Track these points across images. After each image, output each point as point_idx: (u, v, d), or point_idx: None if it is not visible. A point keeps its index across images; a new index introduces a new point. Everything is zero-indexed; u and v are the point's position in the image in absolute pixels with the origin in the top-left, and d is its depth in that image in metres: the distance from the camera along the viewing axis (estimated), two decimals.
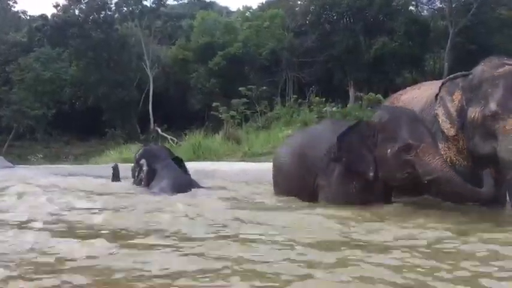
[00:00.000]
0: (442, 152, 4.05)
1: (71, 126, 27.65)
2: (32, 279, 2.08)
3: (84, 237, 2.96)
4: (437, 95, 4.30)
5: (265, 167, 6.26)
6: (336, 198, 4.22)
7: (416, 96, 4.79)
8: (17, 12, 35.39)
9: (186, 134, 16.49)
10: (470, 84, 4.09)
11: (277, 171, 4.99)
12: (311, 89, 20.54)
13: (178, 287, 1.97)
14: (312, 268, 2.15)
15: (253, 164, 9.12)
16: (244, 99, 17.80)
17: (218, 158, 11.80)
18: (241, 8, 33.81)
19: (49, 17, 30.43)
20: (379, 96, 16.23)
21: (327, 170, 4.34)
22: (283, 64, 25.42)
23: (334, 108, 16.45)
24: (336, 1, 24.41)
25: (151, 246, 2.66)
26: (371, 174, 4.02)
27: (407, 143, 3.90)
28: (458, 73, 4.37)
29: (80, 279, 2.07)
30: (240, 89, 18.60)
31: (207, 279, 2.02)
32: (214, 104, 17.79)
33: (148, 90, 27.85)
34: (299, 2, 28.31)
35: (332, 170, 4.30)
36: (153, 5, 29.92)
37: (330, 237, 2.87)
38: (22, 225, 3.38)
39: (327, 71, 25.11)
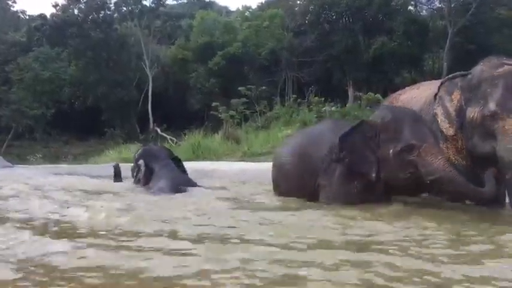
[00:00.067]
0: None
1: (70, 126, 27.63)
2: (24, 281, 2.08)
3: (77, 237, 2.94)
4: (436, 94, 4.30)
5: (265, 167, 6.25)
6: (337, 198, 4.22)
7: (415, 96, 4.79)
8: (16, 11, 35.40)
9: (185, 134, 16.49)
10: (469, 84, 4.09)
11: (277, 171, 4.98)
12: (310, 88, 20.53)
13: None
14: (306, 269, 2.15)
15: (252, 163, 9.11)
16: (244, 99, 17.78)
17: (217, 157, 11.80)
18: (240, 8, 33.87)
19: (48, 16, 30.48)
20: (378, 96, 16.22)
21: (328, 170, 4.33)
22: (283, 64, 25.43)
23: (333, 108, 16.43)
24: (335, 1, 24.43)
25: (145, 248, 2.61)
26: (373, 174, 4.02)
27: (410, 143, 3.90)
28: (457, 73, 4.38)
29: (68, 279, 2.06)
30: (239, 88, 18.59)
31: (202, 282, 2.00)
32: (213, 104, 17.79)
33: (148, 90, 27.85)
34: (298, 2, 28.34)
35: (333, 170, 4.29)
36: (153, 5, 29.94)
37: (329, 238, 2.86)
38: (17, 225, 3.37)
39: (326, 70, 25.12)
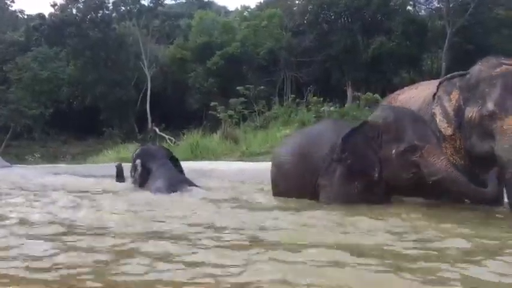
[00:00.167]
0: None
1: (69, 126, 27.60)
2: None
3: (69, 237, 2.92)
4: (434, 94, 4.30)
5: (263, 167, 6.24)
6: (337, 198, 4.22)
7: (414, 95, 4.80)
8: (15, 11, 35.34)
9: (184, 134, 16.48)
10: (468, 84, 4.09)
11: (277, 170, 4.96)
12: (309, 88, 20.55)
13: None
14: (300, 271, 2.14)
15: (251, 163, 9.11)
16: (242, 99, 17.79)
17: (216, 157, 11.79)
18: (239, 8, 33.85)
19: (46, 16, 30.44)
20: (377, 96, 16.24)
21: (328, 170, 4.33)
22: (281, 64, 25.42)
23: (332, 108, 16.45)
24: (334, 1, 24.42)
25: (138, 250, 2.54)
26: (376, 175, 4.03)
27: (413, 144, 3.91)
28: (456, 73, 4.38)
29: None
30: (238, 88, 18.59)
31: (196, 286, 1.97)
32: (212, 104, 17.79)
33: (146, 89, 27.83)
34: (297, 2, 28.33)
35: (334, 169, 4.29)
36: (151, 4, 29.94)
37: (326, 239, 2.86)
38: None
39: (324, 70, 25.12)
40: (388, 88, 17.32)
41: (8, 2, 34.26)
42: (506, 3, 23.17)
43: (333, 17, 25.77)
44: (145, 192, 5.33)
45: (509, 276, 2.07)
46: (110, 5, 29.91)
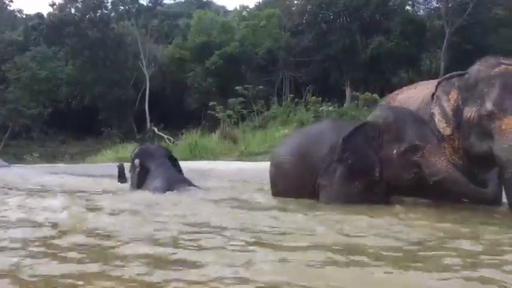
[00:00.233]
0: None
1: (67, 125, 27.60)
2: None
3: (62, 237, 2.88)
4: (433, 94, 4.30)
5: (262, 167, 6.23)
6: (337, 198, 4.22)
7: (412, 95, 4.80)
8: (13, 11, 35.36)
9: (182, 134, 16.49)
10: (466, 84, 4.09)
11: (276, 170, 4.95)
12: (307, 88, 20.55)
13: None
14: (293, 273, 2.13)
15: (249, 163, 9.11)
16: (241, 99, 17.80)
17: (215, 157, 11.79)
18: (238, 7, 33.88)
19: (45, 15, 30.46)
20: (376, 95, 16.25)
21: (328, 170, 4.33)
22: (280, 63, 25.43)
23: (330, 108, 16.47)
24: (333, 0, 24.44)
25: (134, 251, 2.47)
26: (376, 175, 4.03)
27: (414, 144, 3.91)
28: (454, 72, 4.38)
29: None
30: (236, 88, 18.59)
31: None
32: (211, 103, 17.79)
33: (145, 89, 27.84)
34: (296, 2, 28.34)
35: (334, 169, 4.29)
36: (150, 4, 29.97)
37: (326, 239, 2.85)
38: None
39: (323, 70, 25.14)
40: (387, 88, 17.33)
41: (7, 2, 34.32)
42: (505, 3, 23.21)
43: (331, 16, 25.79)
44: (144, 192, 5.30)
45: (509, 276, 2.06)
46: (109, 4, 29.97)
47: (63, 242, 2.74)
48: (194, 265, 2.20)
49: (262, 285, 1.91)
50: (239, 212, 3.97)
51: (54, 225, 3.26)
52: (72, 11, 29.62)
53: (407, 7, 26.90)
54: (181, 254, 2.44)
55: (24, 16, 34.47)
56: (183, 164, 6.25)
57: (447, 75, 4.45)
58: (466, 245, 2.67)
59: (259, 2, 31.82)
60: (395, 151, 3.99)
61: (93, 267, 2.17)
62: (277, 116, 17.37)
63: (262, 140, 13.28)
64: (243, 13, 30.95)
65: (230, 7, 51.75)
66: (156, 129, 24.22)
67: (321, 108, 16.16)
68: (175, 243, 2.71)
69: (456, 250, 2.54)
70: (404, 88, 5.29)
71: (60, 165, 13.58)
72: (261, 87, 20.09)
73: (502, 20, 23.15)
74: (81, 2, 29.20)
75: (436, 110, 4.21)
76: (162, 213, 3.78)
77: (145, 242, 2.72)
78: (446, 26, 22.81)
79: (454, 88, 4.18)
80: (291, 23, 26.56)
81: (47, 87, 27.83)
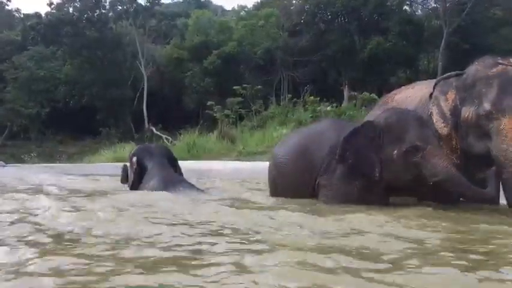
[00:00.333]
0: None
1: (65, 125, 27.55)
2: None
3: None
4: (431, 94, 4.30)
5: (260, 166, 6.22)
6: (337, 197, 4.22)
7: (410, 95, 4.79)
8: (11, 10, 35.28)
9: (180, 133, 16.50)
10: (464, 84, 4.09)
11: (275, 170, 4.93)
12: (306, 88, 20.57)
13: None
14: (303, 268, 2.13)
15: (247, 163, 9.12)
16: (239, 98, 17.83)
17: (213, 157, 11.79)
18: (236, 7, 33.98)
19: (43, 15, 30.38)
20: (374, 95, 16.27)
21: (328, 169, 4.32)
22: (278, 63, 25.45)
23: (328, 108, 16.47)
24: (331, 1, 24.48)
25: (131, 253, 2.42)
26: (376, 175, 4.03)
27: (414, 145, 3.91)
28: (452, 72, 4.37)
29: None
30: (234, 88, 18.61)
31: None
32: (209, 103, 17.81)
33: (143, 89, 27.81)
34: (294, 2, 28.35)
35: (334, 169, 4.28)
36: (148, 4, 29.91)
37: (325, 240, 2.85)
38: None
39: (321, 70, 25.17)
40: (385, 88, 17.38)
41: (5, 1, 34.30)
42: (502, 3, 23.27)
43: (329, 16, 25.82)
44: (140, 191, 5.26)
45: (509, 275, 2.06)
46: (107, 4, 29.96)
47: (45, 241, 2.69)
48: (193, 266, 2.19)
49: (260, 286, 1.91)
50: (237, 212, 3.96)
51: (37, 225, 3.19)
52: (70, 10, 29.59)
53: (405, 7, 26.97)
54: (181, 254, 2.43)
55: (22, 15, 34.39)
56: (181, 164, 6.22)
57: (445, 75, 4.44)
58: (466, 245, 2.67)
59: (257, 2, 31.87)
60: (395, 151, 3.99)
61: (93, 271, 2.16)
62: (275, 116, 17.39)
63: (260, 140, 13.31)
64: (241, 13, 30.98)
65: (228, 7, 51.94)
66: (154, 129, 24.21)
67: (319, 108, 16.17)
68: (174, 242, 2.70)
69: (456, 250, 2.54)
70: (402, 88, 5.28)
71: (59, 165, 13.55)
72: (259, 87, 20.11)
73: (500, 20, 23.21)
74: (79, 1, 29.17)
75: (433, 110, 4.21)
76: (159, 214, 3.76)
77: (139, 242, 2.67)
78: (444, 26, 22.85)
79: (452, 88, 4.18)
80: (289, 23, 26.58)
81: (45, 86, 27.79)
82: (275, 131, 14.07)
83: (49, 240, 2.73)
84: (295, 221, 3.45)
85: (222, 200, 4.75)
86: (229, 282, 1.94)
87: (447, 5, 23.28)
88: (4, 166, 11.67)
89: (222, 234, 2.94)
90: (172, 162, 5.80)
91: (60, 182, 7.03)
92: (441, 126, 4.14)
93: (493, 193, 3.86)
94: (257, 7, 30.61)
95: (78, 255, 2.35)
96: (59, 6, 29.79)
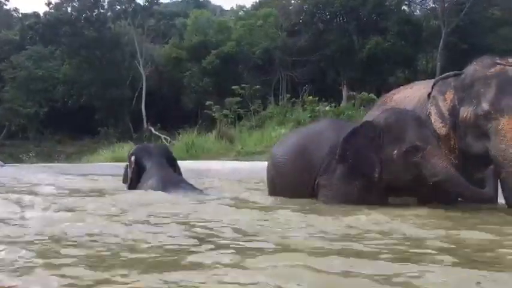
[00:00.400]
0: None
1: (63, 125, 27.49)
2: None
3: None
4: (429, 94, 4.30)
5: (259, 166, 6.22)
6: (337, 197, 4.22)
7: (409, 95, 4.80)
8: (9, 10, 35.20)
9: (179, 133, 16.49)
10: (463, 84, 4.10)
11: (274, 170, 4.93)
12: (304, 88, 20.56)
13: None
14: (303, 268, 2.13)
15: (246, 163, 9.12)
16: (238, 98, 17.82)
17: (211, 156, 11.79)
18: (234, 7, 33.98)
19: (41, 14, 30.31)
20: (372, 95, 16.27)
21: (328, 169, 4.32)
22: (277, 63, 25.44)
23: (327, 108, 16.47)
24: (329, 0, 24.48)
25: (128, 253, 2.40)
26: (376, 175, 4.03)
27: (414, 145, 3.91)
28: (450, 72, 4.38)
29: None
30: (233, 87, 18.60)
31: None
32: (207, 103, 17.81)
33: (141, 89, 27.76)
34: (292, 1, 28.33)
35: (333, 169, 4.28)
36: (146, 3, 29.88)
37: (324, 240, 2.84)
38: None
39: (320, 70, 25.17)
40: (384, 88, 17.36)
41: (3, 1, 34.16)
42: (501, 3, 23.29)
43: (328, 16, 25.81)
44: (137, 191, 5.25)
45: (509, 276, 2.07)
46: (105, 3, 29.89)
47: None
48: (192, 266, 2.19)
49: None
50: (236, 212, 3.96)
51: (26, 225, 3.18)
52: (69, 10, 29.53)
53: (404, 7, 26.98)
54: (179, 254, 2.42)
55: (20, 15, 34.27)
56: (180, 164, 6.22)
57: (443, 75, 4.45)
58: (465, 245, 2.68)
59: (255, 2, 31.86)
60: (395, 152, 3.99)
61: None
62: (273, 116, 17.38)
63: (258, 140, 13.31)
64: (240, 13, 30.98)
65: (227, 7, 51.80)
66: (152, 129, 24.19)
67: (318, 108, 16.17)
68: (172, 242, 2.69)
69: (456, 250, 2.55)
70: (400, 88, 5.29)
71: (57, 165, 13.53)
72: (257, 86, 20.10)
73: (498, 20, 23.24)
74: (78, 1, 29.13)
75: (432, 110, 4.21)
76: (158, 214, 3.75)
77: (135, 243, 2.66)
78: (442, 26, 22.86)
79: (450, 88, 4.18)
80: (288, 23, 26.56)
81: (43, 86, 27.74)
82: (274, 131, 14.07)
83: (45, 240, 2.72)
84: (294, 220, 3.46)
85: (220, 200, 4.75)
86: (228, 282, 1.94)
87: (445, 5, 23.29)
88: (2, 166, 11.65)
89: (220, 234, 2.94)
90: (172, 162, 5.78)
91: (58, 182, 7.03)
92: (439, 126, 4.15)
93: (492, 193, 3.87)
94: (256, 7, 30.60)
95: (76, 256, 2.34)
96: (57, 6, 29.74)
